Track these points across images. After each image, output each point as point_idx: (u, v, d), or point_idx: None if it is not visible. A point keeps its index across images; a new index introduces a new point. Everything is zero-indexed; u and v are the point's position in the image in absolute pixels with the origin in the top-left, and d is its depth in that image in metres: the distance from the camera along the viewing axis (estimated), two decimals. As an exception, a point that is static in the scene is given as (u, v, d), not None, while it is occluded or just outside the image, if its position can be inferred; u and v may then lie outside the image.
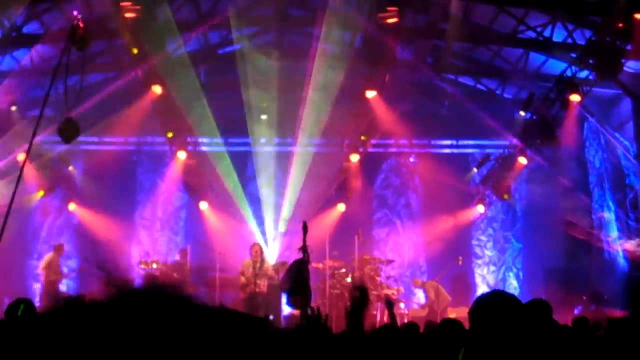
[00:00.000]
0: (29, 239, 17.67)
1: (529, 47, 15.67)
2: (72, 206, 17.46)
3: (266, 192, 17.05)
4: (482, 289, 17.49)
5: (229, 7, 14.85)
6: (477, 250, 18.37)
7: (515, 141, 15.97)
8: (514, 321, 2.59)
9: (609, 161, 16.16)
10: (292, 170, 16.59)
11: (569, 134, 15.17)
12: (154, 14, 13.35)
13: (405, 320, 11.76)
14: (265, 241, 16.39)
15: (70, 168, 17.25)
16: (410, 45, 15.97)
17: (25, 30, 14.15)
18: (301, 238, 6.26)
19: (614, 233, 15.86)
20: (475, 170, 17.52)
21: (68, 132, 11.57)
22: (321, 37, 14.60)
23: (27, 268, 17.30)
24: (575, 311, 13.85)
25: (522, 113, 15.54)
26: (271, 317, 12.13)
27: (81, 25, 10.29)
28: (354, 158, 16.69)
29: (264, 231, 16.77)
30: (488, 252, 18.35)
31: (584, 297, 14.81)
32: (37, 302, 13.51)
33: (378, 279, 14.34)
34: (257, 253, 13.61)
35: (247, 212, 16.83)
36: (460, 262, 15.31)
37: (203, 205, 16.95)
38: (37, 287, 16.40)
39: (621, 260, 15.45)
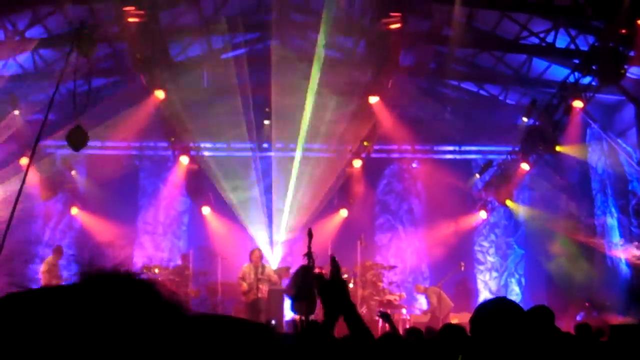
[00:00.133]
0: (32, 242, 17.65)
1: (532, 53, 15.66)
2: (74, 210, 17.50)
3: (268, 197, 17.05)
4: (484, 295, 17.45)
5: (231, 12, 14.88)
6: (480, 256, 18.33)
7: (517, 147, 15.98)
8: (516, 330, 2.58)
9: (612, 167, 16.14)
10: (294, 175, 16.58)
11: (571, 140, 15.17)
12: (157, 19, 13.36)
13: (407, 326, 11.73)
14: (271, 245, 16.38)
15: (73, 172, 17.24)
16: (413, 51, 15.98)
17: (28, 34, 14.17)
18: (305, 244, 6.23)
19: (617, 239, 15.83)
20: (477, 176, 17.48)
21: (77, 140, 11.54)
22: (324, 42, 14.60)
23: (29, 272, 17.28)
24: (578, 317, 13.81)
25: (524, 119, 15.55)
26: (273, 322, 12.11)
27: (86, 31, 10.28)
28: (357, 163, 16.66)
29: (266, 236, 16.76)
30: (490, 258, 18.31)
31: (586, 304, 14.77)
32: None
33: (380, 284, 14.31)
34: (257, 258, 13.59)
35: (250, 217, 16.83)
36: (462, 268, 15.31)
37: (205, 210, 16.97)
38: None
39: (623, 267, 15.41)
